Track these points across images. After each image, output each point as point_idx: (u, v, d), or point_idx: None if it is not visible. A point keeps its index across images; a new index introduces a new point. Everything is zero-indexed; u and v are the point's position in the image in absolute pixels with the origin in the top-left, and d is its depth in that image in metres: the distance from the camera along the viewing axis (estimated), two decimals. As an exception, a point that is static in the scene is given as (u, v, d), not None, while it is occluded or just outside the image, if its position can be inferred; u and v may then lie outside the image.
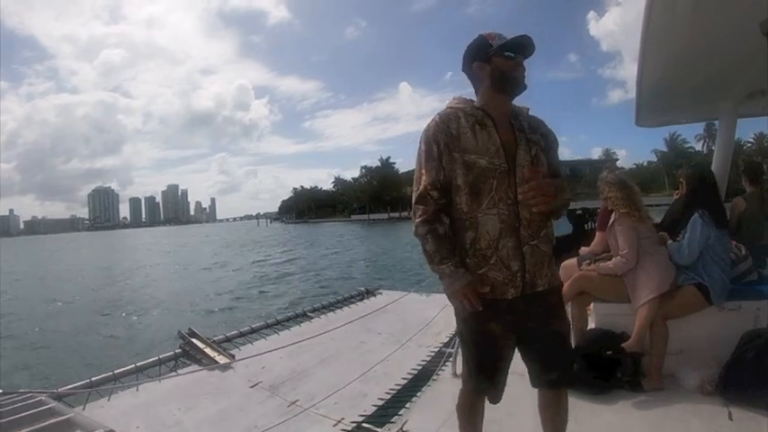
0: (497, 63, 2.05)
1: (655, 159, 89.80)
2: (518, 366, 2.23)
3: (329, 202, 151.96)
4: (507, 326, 2.09)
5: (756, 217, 4.22)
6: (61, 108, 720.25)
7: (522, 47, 2.06)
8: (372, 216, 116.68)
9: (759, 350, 3.08)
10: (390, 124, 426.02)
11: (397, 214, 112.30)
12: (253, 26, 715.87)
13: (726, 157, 4.55)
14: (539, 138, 2.11)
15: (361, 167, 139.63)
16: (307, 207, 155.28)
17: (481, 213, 2.01)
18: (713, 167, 4.51)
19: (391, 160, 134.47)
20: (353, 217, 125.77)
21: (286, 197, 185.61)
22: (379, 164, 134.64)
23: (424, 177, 2.06)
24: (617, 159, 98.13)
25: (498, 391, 2.25)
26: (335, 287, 15.70)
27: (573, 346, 3.64)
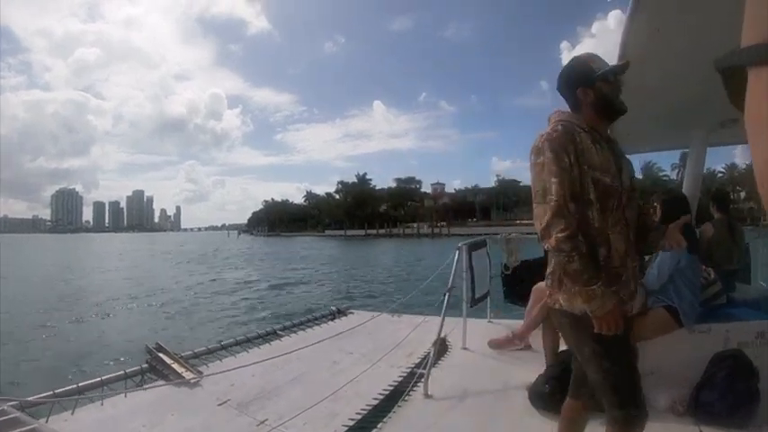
0: (602, 89, 2.08)
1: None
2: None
3: (300, 216, 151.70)
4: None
5: (724, 243, 4.33)
6: (32, 104, 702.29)
7: (622, 72, 2.13)
8: (349, 232, 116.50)
9: (729, 371, 3.14)
10: (362, 141, 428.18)
11: (374, 231, 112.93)
12: (231, 35, 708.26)
13: (695, 184, 4.65)
14: (630, 165, 2.20)
15: (338, 183, 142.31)
16: (278, 220, 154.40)
17: (611, 231, 2.00)
18: (684, 185, 4.61)
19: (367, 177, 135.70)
20: (328, 232, 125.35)
21: (253, 209, 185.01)
22: (355, 180, 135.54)
23: (557, 188, 1.92)
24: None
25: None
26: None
27: (544, 367, 3.68)
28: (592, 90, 2.08)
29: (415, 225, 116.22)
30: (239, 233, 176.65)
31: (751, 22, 0.44)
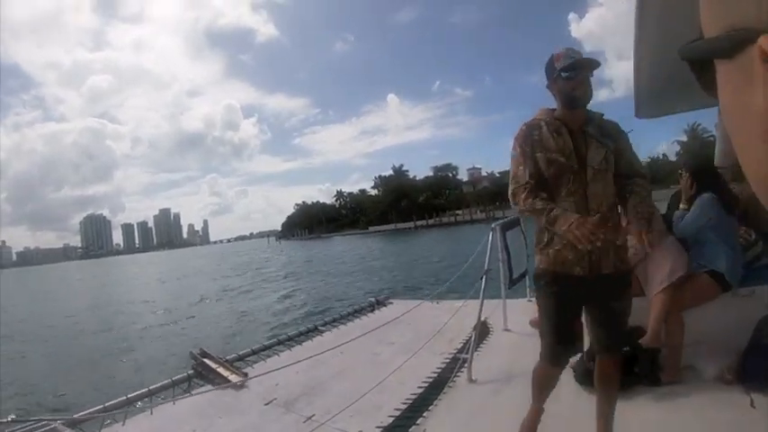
0: (560, 85, 2.41)
1: (661, 154, 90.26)
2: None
3: (335, 216, 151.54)
4: (573, 298, 2.51)
5: None
6: (49, 136, 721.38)
7: (579, 67, 2.38)
8: (399, 226, 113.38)
9: (776, 335, 3.04)
10: (379, 137, 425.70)
11: (423, 222, 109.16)
12: (240, 45, 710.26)
13: (729, 144, 4.50)
14: (609, 141, 2.45)
15: (375, 177, 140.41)
16: (317, 222, 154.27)
17: (561, 200, 2.39)
18: (716, 155, 4.47)
19: (382, 172, 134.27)
20: (371, 228, 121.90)
21: (278, 216, 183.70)
22: (391, 172, 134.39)
23: (521, 171, 2.45)
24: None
25: (566, 354, 2.69)
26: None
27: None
28: (555, 85, 2.45)
29: (461, 212, 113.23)
30: (278, 239, 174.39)
31: (711, 10, 0.42)
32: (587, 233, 2.15)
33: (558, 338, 2.60)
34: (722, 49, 0.40)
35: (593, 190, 2.40)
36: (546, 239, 2.48)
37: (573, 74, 2.37)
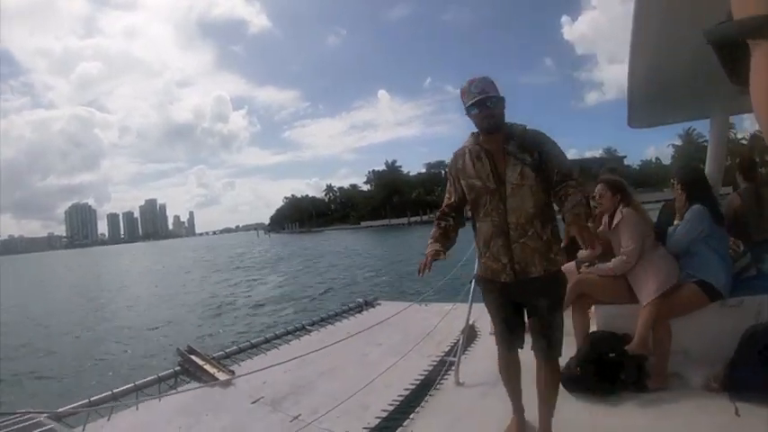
0: (471, 118, 2.67)
1: (654, 158, 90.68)
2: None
3: (325, 211, 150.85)
4: (503, 299, 2.81)
5: (752, 212, 4.20)
6: (37, 124, 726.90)
7: (480, 103, 2.56)
8: (393, 221, 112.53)
9: (763, 345, 3.06)
10: (368, 132, 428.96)
11: (417, 218, 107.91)
12: (232, 36, 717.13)
13: (720, 155, 4.53)
14: (526, 156, 2.60)
15: (368, 172, 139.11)
16: (307, 216, 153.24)
17: (480, 221, 2.75)
18: (707, 166, 4.49)
19: (370, 167, 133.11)
20: (363, 223, 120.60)
21: (266, 209, 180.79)
22: (384, 168, 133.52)
23: (445, 198, 2.92)
24: (624, 156, 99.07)
25: (513, 341, 2.89)
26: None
27: (576, 349, 3.64)
28: (469, 116, 2.67)
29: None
30: (266, 232, 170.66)
31: None
32: (425, 262, 2.55)
33: (502, 328, 2.91)
34: (763, 29, 0.37)
35: (512, 204, 2.61)
36: (479, 251, 2.82)
37: (479, 108, 2.58)
